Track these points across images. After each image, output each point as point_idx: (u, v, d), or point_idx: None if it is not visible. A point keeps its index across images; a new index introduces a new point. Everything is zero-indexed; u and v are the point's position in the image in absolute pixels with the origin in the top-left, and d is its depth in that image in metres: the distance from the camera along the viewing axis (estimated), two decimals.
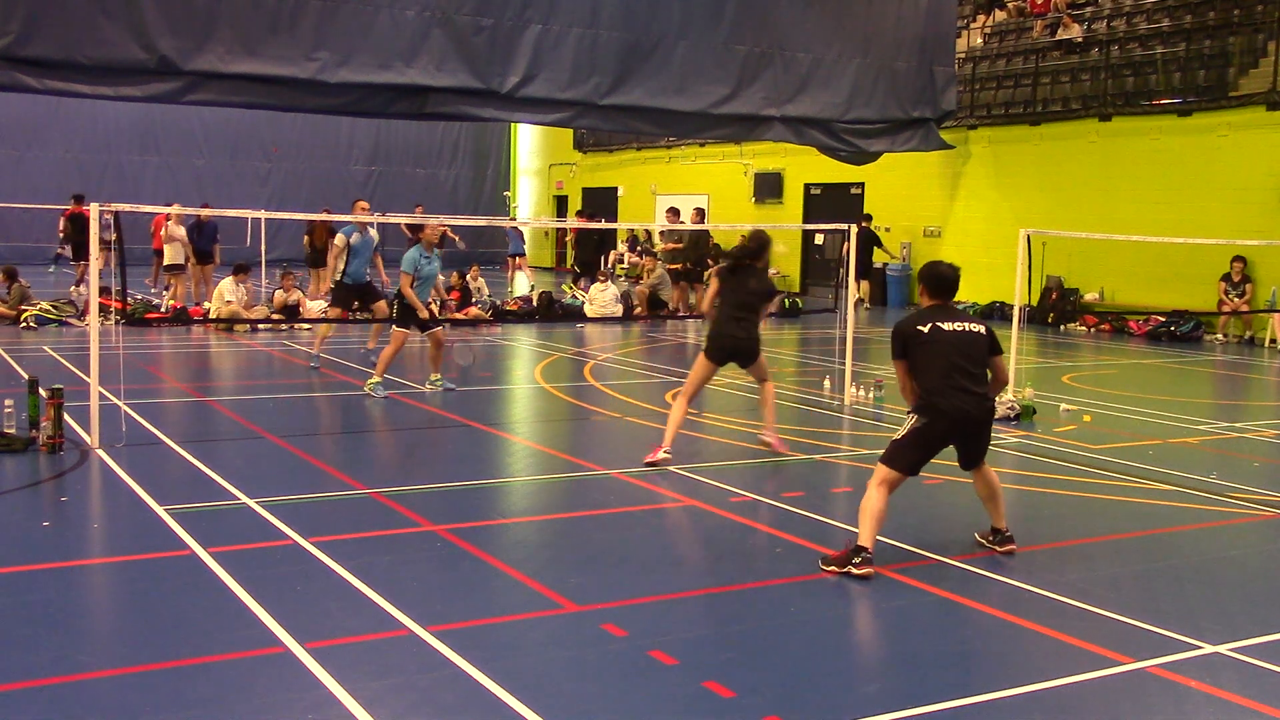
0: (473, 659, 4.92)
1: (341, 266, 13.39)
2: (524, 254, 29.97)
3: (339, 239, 13.39)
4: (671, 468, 8.63)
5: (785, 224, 28.58)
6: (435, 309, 12.65)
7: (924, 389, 6.44)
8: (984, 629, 5.66)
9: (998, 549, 6.73)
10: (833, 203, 27.32)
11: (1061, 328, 21.36)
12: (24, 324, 16.95)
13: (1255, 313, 19.37)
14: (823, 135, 20.92)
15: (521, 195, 41.31)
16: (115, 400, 9.81)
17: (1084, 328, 21.09)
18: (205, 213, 19.49)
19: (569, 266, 30.19)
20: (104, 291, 14.83)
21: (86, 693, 4.62)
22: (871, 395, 12.10)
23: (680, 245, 21.07)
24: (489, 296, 22.04)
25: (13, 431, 8.83)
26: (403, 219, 22.18)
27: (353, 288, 13.51)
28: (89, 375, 9.07)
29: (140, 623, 5.45)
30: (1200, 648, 5.31)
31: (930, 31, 21.44)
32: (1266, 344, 19.04)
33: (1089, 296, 21.95)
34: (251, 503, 7.39)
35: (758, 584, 6.17)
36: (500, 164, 40.83)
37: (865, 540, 6.23)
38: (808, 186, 28.70)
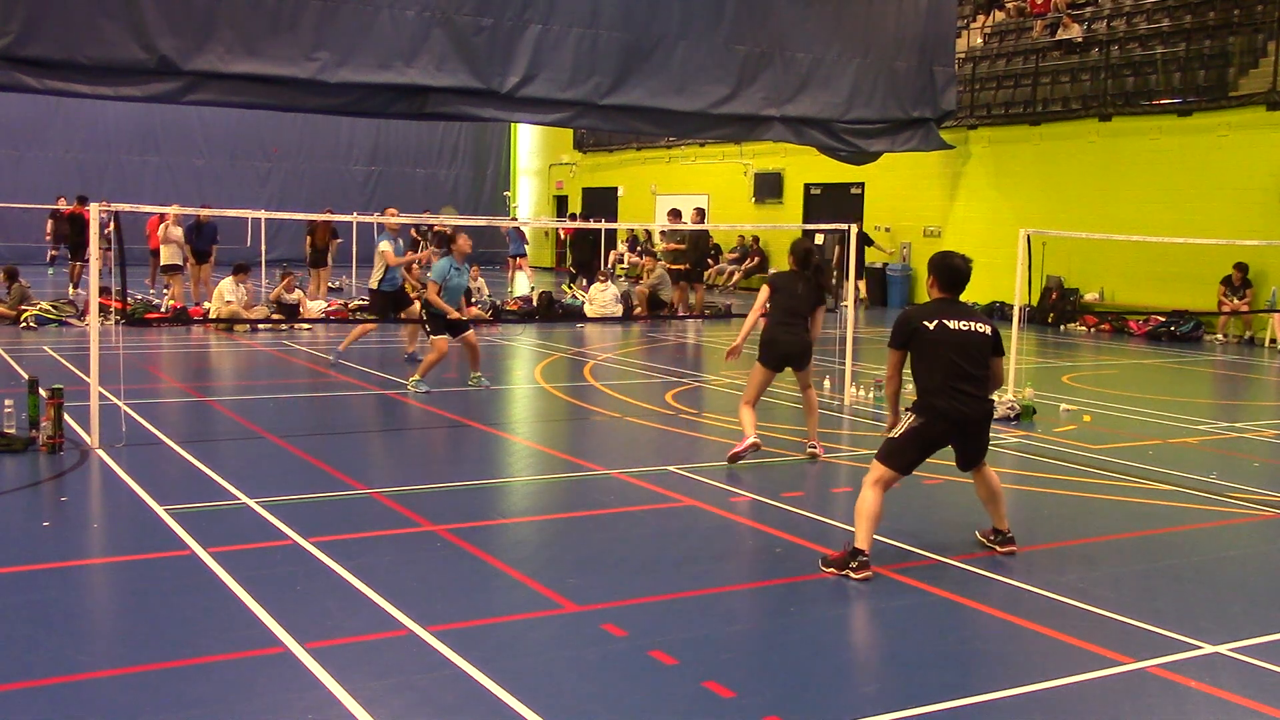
0: (473, 659, 4.92)
1: (380, 274, 13.87)
2: (524, 254, 29.98)
3: (385, 245, 13.73)
4: (671, 468, 8.63)
5: (785, 224, 28.59)
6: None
7: (922, 388, 6.38)
8: (984, 629, 5.66)
9: (998, 549, 6.72)
10: (833, 203, 27.32)
11: (1061, 328, 21.36)
12: (24, 324, 16.95)
13: (1255, 313, 19.37)
14: (823, 135, 20.91)
15: (521, 195, 41.31)
16: (115, 400, 9.81)
17: (1084, 328, 21.09)
18: (205, 213, 19.48)
19: (567, 267, 30.21)
20: (104, 291, 14.83)
21: (86, 693, 4.62)
22: (871, 395, 12.10)
23: (682, 246, 21.07)
24: (489, 296, 22.04)
25: (13, 431, 8.83)
26: (408, 219, 22.17)
27: (390, 295, 14.10)
28: (89, 375, 9.07)
29: (140, 623, 5.45)
30: (1200, 648, 5.31)
31: (930, 31, 21.43)
32: (1266, 344, 19.04)
33: (1089, 296, 21.95)
34: (251, 503, 7.39)
35: (758, 584, 6.17)
36: (500, 164, 40.84)
37: (861, 542, 6.20)
38: (808, 186, 28.70)
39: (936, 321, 6.40)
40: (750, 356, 9.69)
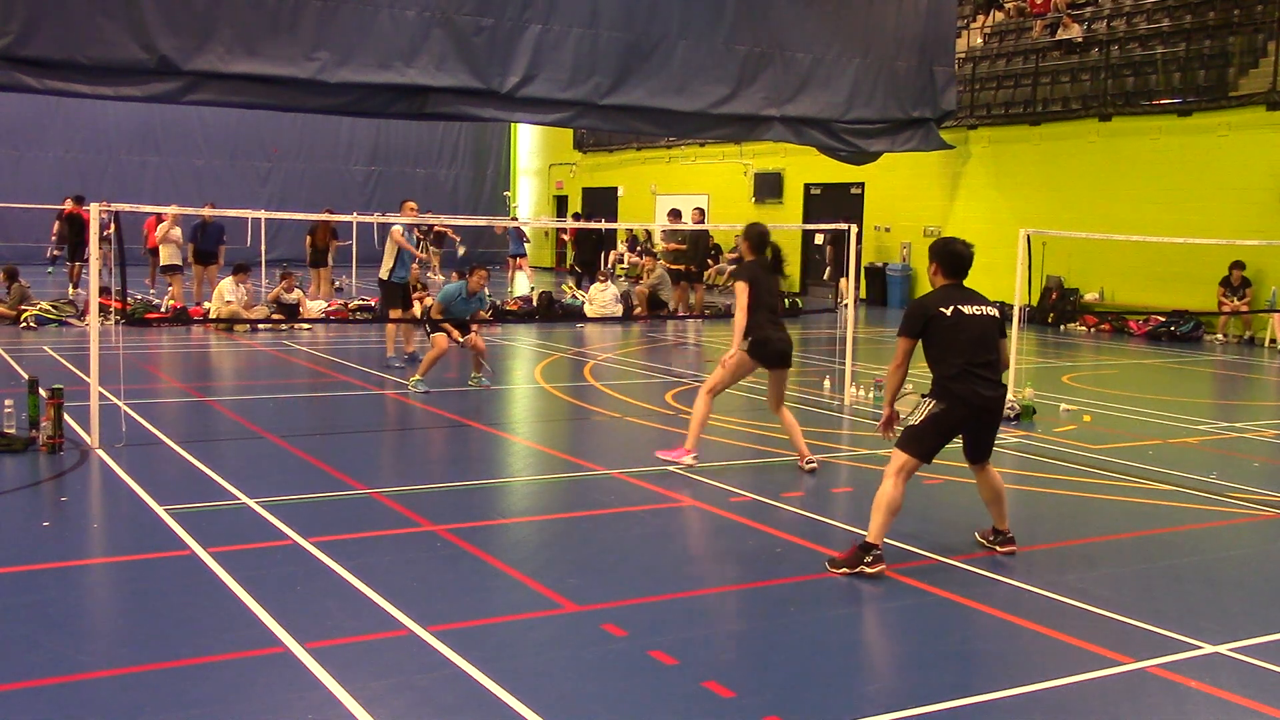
0: (473, 659, 4.92)
1: (390, 265, 13.81)
2: (525, 254, 29.98)
3: (397, 230, 13.63)
4: (671, 468, 8.62)
5: (785, 224, 28.58)
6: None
7: (940, 375, 6.35)
8: (984, 629, 5.66)
9: (998, 549, 6.72)
10: (833, 203, 27.32)
11: (1061, 328, 21.36)
12: (24, 324, 16.95)
13: (1255, 313, 19.37)
14: (823, 135, 20.92)
15: (521, 195, 41.31)
16: (115, 400, 9.81)
17: (1084, 328, 21.09)
18: (208, 213, 19.45)
19: (569, 267, 30.22)
20: (104, 291, 14.83)
21: (86, 693, 4.62)
22: (871, 395, 12.10)
23: (683, 246, 21.08)
24: (489, 296, 22.01)
25: (13, 431, 8.83)
26: (416, 219, 22.16)
27: (398, 287, 14.05)
28: (89, 375, 9.07)
29: (140, 623, 5.45)
30: (1200, 648, 5.31)
31: (930, 31, 21.43)
32: (1266, 344, 19.04)
33: (1089, 296, 21.95)
34: (251, 503, 7.39)
35: (758, 584, 6.17)
36: (500, 164, 40.83)
37: (875, 537, 6.18)
38: (808, 186, 28.71)
39: (952, 308, 6.40)
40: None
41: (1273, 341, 18.97)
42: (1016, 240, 12.01)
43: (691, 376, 14.25)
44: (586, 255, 26.79)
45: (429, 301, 18.89)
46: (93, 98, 17.55)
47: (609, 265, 28.64)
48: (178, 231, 20.12)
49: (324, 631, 5.22)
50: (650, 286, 21.49)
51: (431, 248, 29.17)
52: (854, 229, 12.62)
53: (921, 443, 6.34)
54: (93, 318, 9.32)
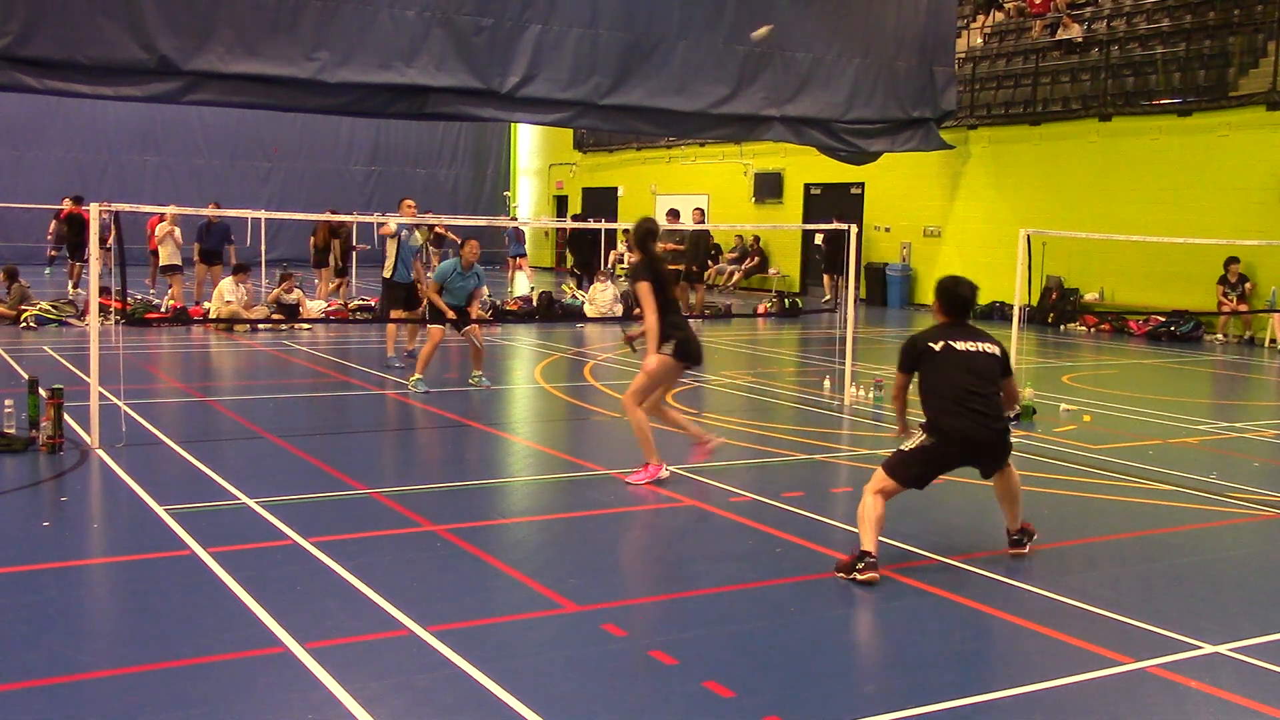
0: (473, 659, 4.92)
1: (391, 263, 13.74)
2: (524, 254, 29.98)
3: (391, 227, 13.67)
4: (671, 468, 8.62)
5: (785, 224, 28.60)
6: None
7: (932, 410, 6.35)
8: (984, 629, 5.66)
9: (1008, 549, 6.69)
10: (833, 203, 27.33)
11: (1061, 328, 21.36)
12: (24, 324, 16.95)
13: (1255, 313, 19.37)
14: (823, 135, 20.93)
15: (521, 195, 41.31)
16: (115, 400, 9.81)
17: (1084, 328, 21.09)
18: (213, 213, 19.43)
19: (568, 267, 30.24)
20: (104, 291, 14.83)
21: (86, 693, 4.62)
22: (871, 395, 12.09)
23: (682, 246, 21.07)
24: (489, 296, 22.02)
25: (13, 431, 8.83)
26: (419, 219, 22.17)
27: (400, 286, 13.98)
28: (89, 375, 9.06)
29: (140, 623, 5.45)
30: (1200, 648, 5.31)
31: (930, 31, 21.45)
32: (1266, 344, 19.04)
33: (1089, 296, 21.95)
34: (251, 503, 7.39)
35: (757, 584, 6.17)
36: (500, 164, 40.84)
37: (867, 544, 6.17)
38: (808, 186, 28.71)
39: (943, 343, 6.41)
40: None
41: (1273, 341, 18.97)
42: (1016, 240, 12.00)
43: (691, 376, 14.25)
44: (585, 256, 26.80)
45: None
46: (93, 98, 17.56)
47: (609, 265, 28.65)
48: (178, 231, 20.11)
49: (324, 631, 5.22)
50: None
51: (431, 248, 29.15)
52: (854, 229, 12.61)
53: (906, 470, 6.35)
54: (93, 318, 9.31)
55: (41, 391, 8.96)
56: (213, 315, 17.68)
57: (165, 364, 14.49)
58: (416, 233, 14.12)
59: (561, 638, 5.36)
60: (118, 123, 32.54)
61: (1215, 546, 7.23)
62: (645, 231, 8.28)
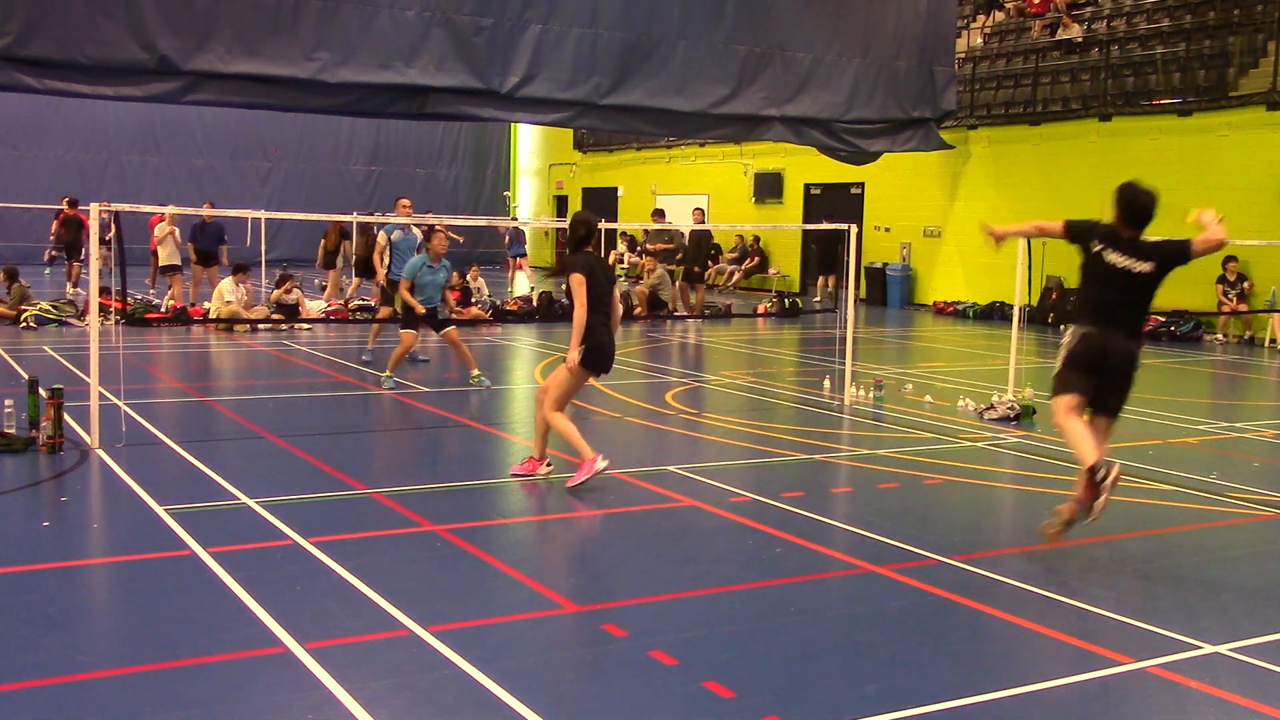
0: (473, 659, 4.92)
1: (386, 265, 13.84)
2: (525, 254, 29.98)
3: (380, 236, 13.84)
4: (671, 468, 8.62)
5: (785, 224, 28.60)
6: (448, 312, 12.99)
7: (1080, 307, 6.70)
8: (984, 629, 5.66)
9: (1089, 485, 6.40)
10: (833, 203, 27.33)
11: (1061, 328, 21.29)
12: (24, 324, 16.95)
13: (1255, 312, 19.37)
14: (823, 135, 20.93)
15: (521, 195, 41.31)
16: (115, 400, 9.81)
17: None
18: (208, 212, 19.42)
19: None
20: (104, 291, 14.83)
21: (86, 693, 4.62)
22: (871, 395, 12.09)
23: (670, 246, 21.07)
24: (489, 296, 22.04)
25: (13, 431, 8.83)
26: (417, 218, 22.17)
27: (397, 285, 13.89)
28: (89, 375, 9.06)
29: (140, 623, 5.45)
30: (1200, 648, 5.31)
31: (930, 31, 21.45)
32: (1266, 344, 19.04)
33: None
34: (251, 503, 7.39)
35: (758, 584, 6.17)
36: (500, 164, 40.84)
37: (1090, 458, 6.24)
38: (808, 186, 28.71)
39: (1102, 247, 6.69)
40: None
41: (1273, 341, 18.97)
42: (1016, 240, 11.99)
43: (692, 377, 14.25)
44: None
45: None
46: (93, 98, 17.56)
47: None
48: (178, 231, 20.10)
49: (324, 631, 5.22)
50: (650, 286, 21.49)
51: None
52: (854, 229, 12.61)
53: (1065, 380, 6.63)
54: (93, 318, 9.32)
55: (41, 391, 8.96)
56: (213, 315, 17.69)
57: (165, 364, 14.49)
58: (415, 229, 14.13)
59: (561, 638, 5.36)
60: (118, 123, 32.54)
61: (1215, 546, 7.23)
62: (580, 224, 8.06)
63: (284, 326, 17.82)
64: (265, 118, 32.47)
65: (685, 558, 6.73)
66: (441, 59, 17.02)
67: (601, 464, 7.90)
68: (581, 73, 18.10)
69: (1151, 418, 11.70)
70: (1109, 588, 6.19)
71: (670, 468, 8.67)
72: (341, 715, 4.41)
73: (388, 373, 12.33)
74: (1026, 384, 12.30)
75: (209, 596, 5.67)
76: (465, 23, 17.16)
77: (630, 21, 18.37)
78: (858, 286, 20.94)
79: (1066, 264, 22.67)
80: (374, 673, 4.80)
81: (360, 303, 20.41)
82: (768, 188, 29.61)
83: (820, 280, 25.88)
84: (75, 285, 21.94)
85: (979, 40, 27.13)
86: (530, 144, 40.64)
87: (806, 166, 27.65)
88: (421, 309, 12.28)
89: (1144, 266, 6.59)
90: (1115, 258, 6.56)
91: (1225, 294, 19.51)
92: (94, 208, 9.21)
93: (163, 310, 18.73)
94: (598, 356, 8.01)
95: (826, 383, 12.75)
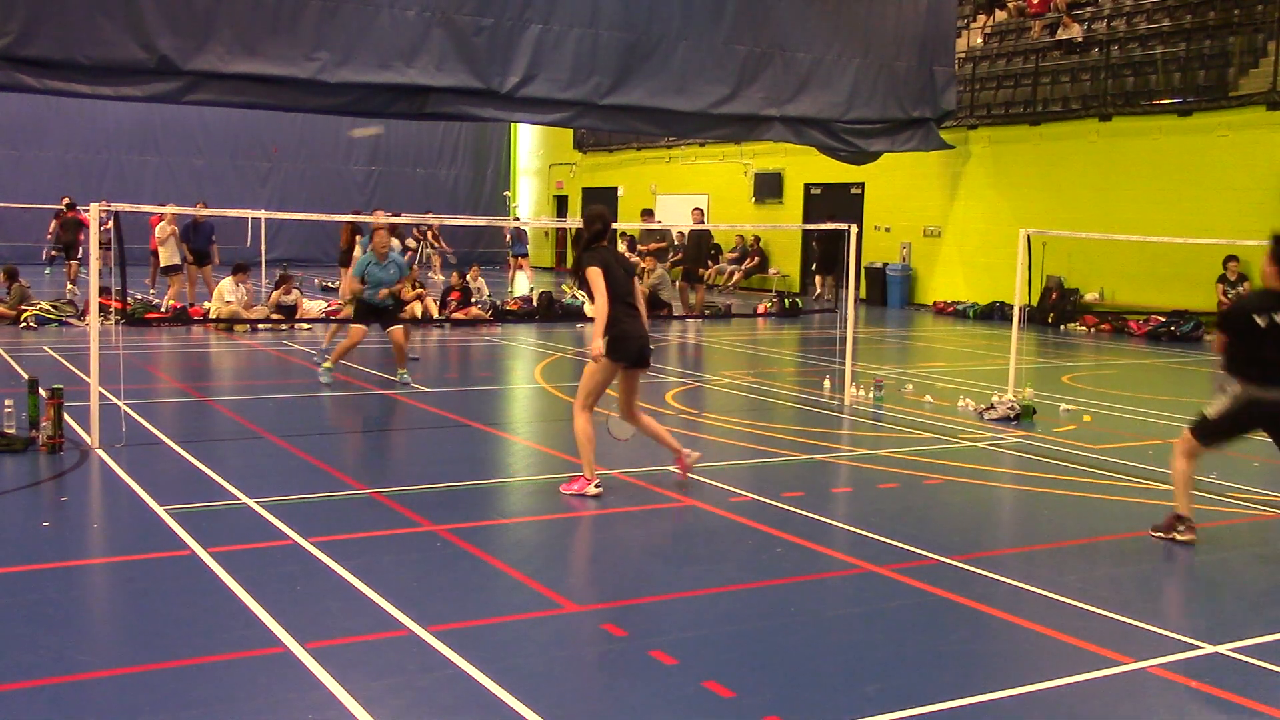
0: (473, 659, 4.92)
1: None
2: (525, 254, 29.96)
3: (357, 251, 13.91)
4: (671, 468, 8.62)
5: (785, 224, 28.60)
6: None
7: (1237, 364, 6.68)
8: (984, 629, 5.66)
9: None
10: (833, 203, 27.33)
11: (1061, 328, 21.36)
12: (24, 324, 16.95)
13: None
14: (823, 135, 20.92)
15: (521, 195, 41.32)
16: (115, 400, 9.81)
17: (1084, 328, 21.09)
18: (201, 212, 19.39)
19: (568, 267, 30.24)
20: (104, 291, 14.83)
21: (86, 693, 4.62)
22: (871, 395, 12.09)
23: (662, 245, 21.06)
24: (489, 296, 22.04)
25: (13, 431, 8.83)
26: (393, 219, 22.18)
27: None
28: (89, 375, 9.06)
29: (140, 623, 5.45)
30: (1200, 648, 5.31)
31: (930, 31, 21.43)
32: None
33: (1089, 296, 21.95)
34: (251, 503, 7.39)
35: (757, 584, 6.17)
36: (500, 164, 40.85)
37: (1184, 509, 6.83)
38: (808, 186, 28.72)
39: (1267, 317, 6.52)
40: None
41: None
42: (1016, 240, 12.00)
43: (692, 377, 14.25)
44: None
45: (429, 304, 18.94)
46: (93, 98, 17.54)
47: None
48: (178, 231, 20.08)
49: (324, 631, 5.22)
50: (650, 286, 21.47)
51: (430, 251, 29.18)
52: (854, 229, 12.60)
53: (1213, 432, 6.85)
54: (93, 318, 9.32)
55: (41, 391, 8.96)
56: (212, 315, 17.69)
57: (165, 364, 14.49)
58: (395, 241, 14.19)
59: (561, 638, 5.36)
60: (118, 123, 32.56)
61: (1215, 546, 7.22)
62: (594, 218, 7.95)
63: (284, 326, 17.82)
64: (265, 118, 32.47)
65: (685, 558, 6.73)
66: (441, 59, 17.01)
67: (593, 490, 7.84)
68: (581, 73, 18.10)
69: (1152, 418, 11.70)
70: (1109, 588, 6.19)
71: (670, 468, 8.67)
72: (341, 715, 4.41)
73: (328, 363, 12.34)
74: (1026, 384, 12.30)
75: (209, 596, 5.67)
76: (465, 23, 17.16)
77: (630, 21, 18.36)
78: (858, 286, 20.99)
79: (1066, 264, 22.77)
80: (374, 673, 4.80)
81: None
82: (768, 188, 29.62)
83: (819, 280, 25.90)
84: (74, 282, 21.92)
85: (979, 40, 27.13)
86: (530, 144, 40.65)
87: (806, 166, 27.65)
88: (359, 287, 12.29)
89: None
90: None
91: (1225, 294, 19.50)
92: (94, 207, 9.21)
93: (163, 310, 18.73)
94: (624, 346, 7.82)
95: (826, 383, 12.75)
